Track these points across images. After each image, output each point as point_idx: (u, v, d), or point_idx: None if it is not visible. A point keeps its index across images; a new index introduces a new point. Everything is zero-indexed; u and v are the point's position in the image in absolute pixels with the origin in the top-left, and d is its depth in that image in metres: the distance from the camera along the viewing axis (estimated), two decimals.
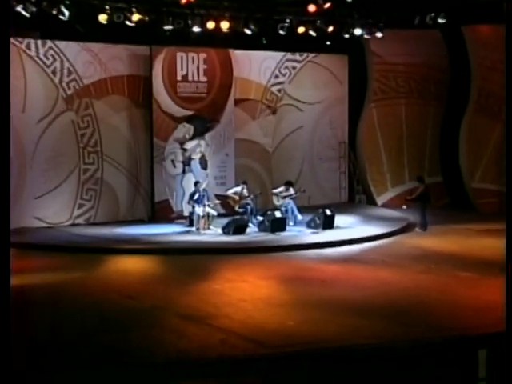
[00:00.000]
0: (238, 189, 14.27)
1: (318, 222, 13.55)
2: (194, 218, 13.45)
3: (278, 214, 13.43)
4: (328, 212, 13.68)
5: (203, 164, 15.32)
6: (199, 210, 13.30)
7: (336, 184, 17.52)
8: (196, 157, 15.23)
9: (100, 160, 14.39)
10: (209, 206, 13.59)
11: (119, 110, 14.55)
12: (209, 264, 10.83)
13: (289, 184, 14.43)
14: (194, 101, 15.05)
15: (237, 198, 14.12)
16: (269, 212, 13.51)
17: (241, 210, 14.04)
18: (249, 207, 14.01)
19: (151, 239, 12.69)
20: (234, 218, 13.50)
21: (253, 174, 16.04)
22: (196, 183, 13.90)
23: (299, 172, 16.90)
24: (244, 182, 14.31)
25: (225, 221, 13.41)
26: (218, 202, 14.33)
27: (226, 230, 13.09)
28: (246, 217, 13.87)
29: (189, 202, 13.76)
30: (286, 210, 14.04)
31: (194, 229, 13.37)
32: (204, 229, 13.28)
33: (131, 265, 11.16)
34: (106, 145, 14.41)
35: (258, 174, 16.32)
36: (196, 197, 13.50)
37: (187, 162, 15.12)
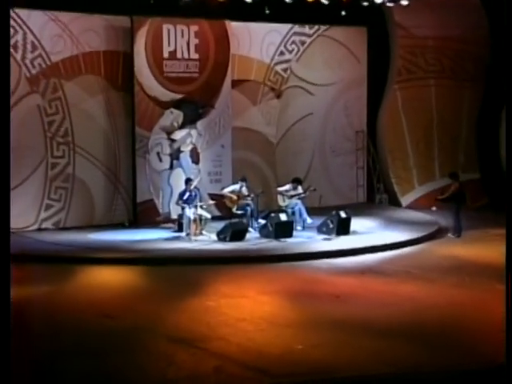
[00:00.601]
0: (236, 187, 14.32)
1: (330, 226, 13.60)
2: (184, 221, 13.50)
3: (283, 216, 13.48)
4: (343, 214, 13.73)
5: (195, 157, 15.37)
6: (190, 212, 13.35)
7: (352, 181, 17.56)
8: (186, 149, 15.28)
9: (71, 153, 14.43)
10: (201, 207, 13.63)
11: (94, 93, 14.59)
12: (201, 276, 10.88)
13: (296, 181, 14.48)
14: (184, 82, 15.09)
15: (234, 197, 14.17)
16: (272, 214, 13.56)
17: (239, 211, 14.08)
18: (249, 209, 14.06)
19: (133, 247, 12.74)
20: (232, 221, 13.55)
21: (253, 170, 16.09)
22: (187, 180, 13.95)
23: (309, 167, 16.95)
24: (243, 179, 14.36)
25: (220, 225, 13.46)
26: (212, 202, 14.39)
27: (221, 235, 13.14)
28: (245, 220, 13.92)
29: (177, 203, 13.82)
30: (293, 212, 14.09)
31: (183, 234, 13.43)
32: (195, 234, 13.33)
33: (109, 277, 11.20)
34: (78, 134, 14.45)
35: (259, 169, 16.37)
36: (186, 196, 13.56)
37: (176, 156, 15.17)
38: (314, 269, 11.50)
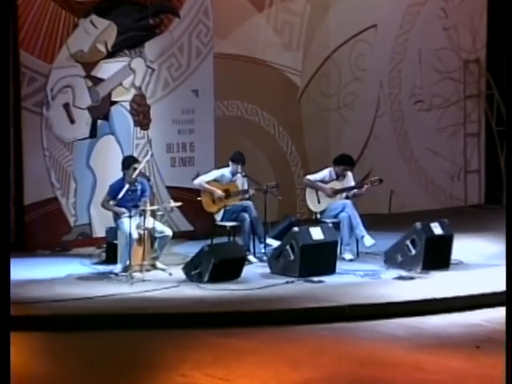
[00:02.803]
0: (224, 174, 14.47)
1: (412, 252, 13.74)
2: (119, 242, 13.63)
3: (316, 232, 13.59)
4: (436, 230, 13.86)
5: (140, 116, 15.47)
6: (131, 224, 13.45)
7: (457, 162, 17.69)
8: (123, 98, 15.38)
9: None
10: (154, 214, 13.74)
11: None
12: (155, 352, 10.97)
13: (344, 163, 14.59)
14: None
15: (220, 193, 14.28)
16: (296, 229, 13.68)
17: (229, 223, 14.23)
18: (247, 217, 14.20)
19: (17, 294, 12.82)
20: (213, 243, 13.67)
21: (258, 140, 16.22)
22: (125, 161, 14.06)
23: (368, 134, 17.06)
24: (237, 159, 14.51)
25: (193, 249, 13.60)
26: (174, 204, 14.49)
27: (193, 270, 13.23)
28: (240, 239, 14.06)
29: (106, 206, 13.92)
30: (337, 224, 14.21)
31: (116, 269, 13.57)
32: (141, 268, 13.46)
33: None
34: None
35: (270, 138, 16.49)
36: (123, 193, 13.64)
37: (102, 111, 15.28)
38: (379, 337, 11.60)
